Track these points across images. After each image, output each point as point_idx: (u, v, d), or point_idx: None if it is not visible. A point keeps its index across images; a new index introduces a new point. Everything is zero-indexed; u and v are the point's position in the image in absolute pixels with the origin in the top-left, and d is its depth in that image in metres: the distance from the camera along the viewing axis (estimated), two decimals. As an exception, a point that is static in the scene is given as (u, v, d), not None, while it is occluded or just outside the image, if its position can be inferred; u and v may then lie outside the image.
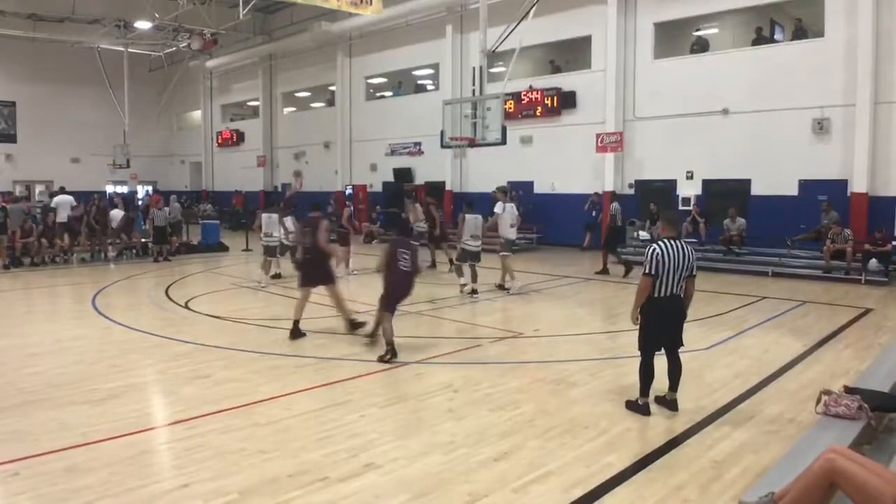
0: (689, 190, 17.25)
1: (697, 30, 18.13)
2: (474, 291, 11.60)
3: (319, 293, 8.70)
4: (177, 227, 18.43)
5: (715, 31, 18.42)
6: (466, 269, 11.84)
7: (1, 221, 14.81)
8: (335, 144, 27.28)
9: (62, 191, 17.64)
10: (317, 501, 3.97)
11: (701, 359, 7.41)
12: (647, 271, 5.44)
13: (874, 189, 14.34)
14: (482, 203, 21.05)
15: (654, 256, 5.39)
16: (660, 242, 5.50)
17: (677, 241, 5.51)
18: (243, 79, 31.88)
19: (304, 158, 29.16)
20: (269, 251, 13.20)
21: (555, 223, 19.52)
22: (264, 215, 13.40)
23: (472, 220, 11.62)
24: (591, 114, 18.86)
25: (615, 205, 14.64)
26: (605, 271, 14.08)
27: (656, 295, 5.45)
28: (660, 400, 5.68)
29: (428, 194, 18.08)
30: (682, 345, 5.67)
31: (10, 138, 30.35)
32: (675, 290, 5.47)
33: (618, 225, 14.67)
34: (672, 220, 6.00)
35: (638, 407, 5.55)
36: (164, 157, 36.18)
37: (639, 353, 5.64)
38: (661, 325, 5.53)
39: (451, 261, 13.66)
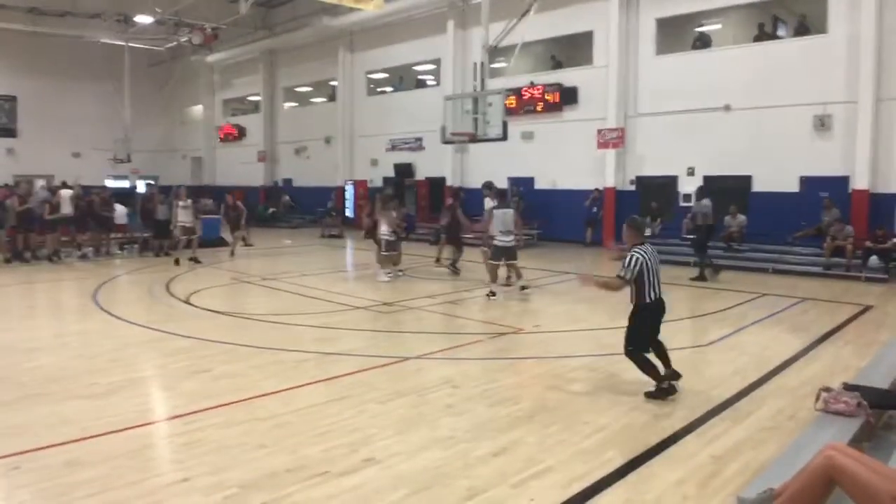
0: (690, 186, 17.20)
1: (699, 26, 18.09)
2: (494, 293, 10.88)
3: (332, 290, 8.69)
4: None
5: (717, 27, 18.38)
6: (503, 270, 11.32)
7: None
8: (336, 139, 27.25)
9: (64, 185, 17.61)
10: (316, 496, 3.98)
11: (701, 355, 7.42)
12: (625, 276, 5.67)
13: (875, 186, 14.31)
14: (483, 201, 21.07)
15: (639, 264, 5.65)
16: (638, 249, 5.72)
17: (648, 246, 5.83)
18: (244, 74, 31.84)
19: (306, 153, 29.17)
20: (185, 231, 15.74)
21: (556, 219, 19.51)
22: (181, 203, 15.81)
23: (501, 215, 10.91)
24: (593, 110, 18.83)
25: (706, 201, 13.14)
26: (702, 277, 12.72)
27: (647, 301, 5.72)
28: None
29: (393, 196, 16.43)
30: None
31: (11, 133, 30.34)
32: (659, 293, 5.80)
33: (710, 224, 13.11)
34: (639, 225, 6.10)
35: (660, 392, 5.77)
36: (165, 151, 36.15)
37: (629, 353, 5.83)
38: (652, 328, 5.86)
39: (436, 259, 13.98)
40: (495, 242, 10.93)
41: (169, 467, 4.44)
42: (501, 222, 10.85)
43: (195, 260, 15.49)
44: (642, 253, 5.68)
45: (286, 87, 30.65)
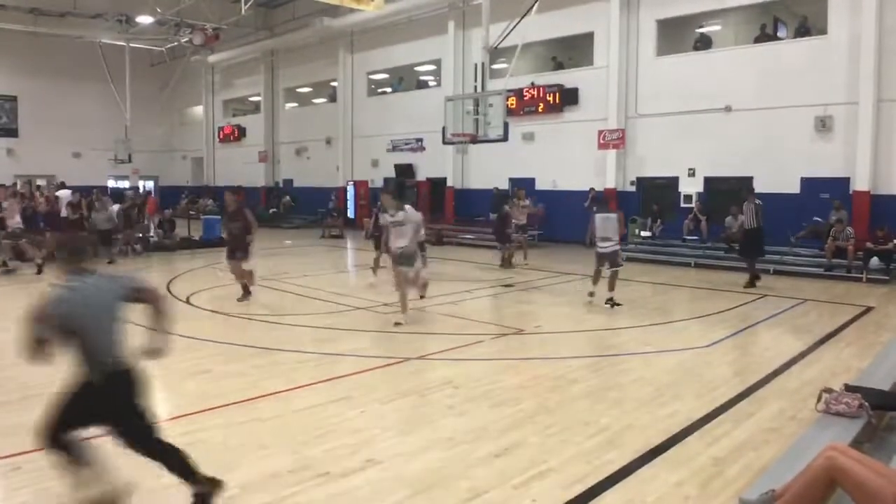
0: (690, 187, 17.22)
1: (700, 27, 18.10)
2: (611, 301, 10.17)
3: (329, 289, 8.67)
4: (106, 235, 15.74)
5: (718, 28, 18.40)
6: (603, 273, 10.54)
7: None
8: (337, 140, 27.26)
9: (62, 185, 17.62)
10: (317, 496, 3.98)
11: (702, 356, 7.42)
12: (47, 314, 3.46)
13: (876, 187, 14.32)
14: (484, 201, 21.02)
15: (60, 301, 3.50)
16: (68, 283, 3.58)
17: (93, 279, 3.66)
18: (245, 74, 31.85)
19: (306, 154, 29.19)
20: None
21: (556, 220, 19.50)
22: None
23: (601, 220, 10.34)
24: (594, 110, 18.83)
25: (758, 202, 12.10)
26: (755, 280, 12.14)
27: (87, 374, 3.58)
28: None
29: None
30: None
31: (12, 133, 30.37)
32: (113, 365, 3.59)
33: (761, 226, 12.11)
34: (80, 248, 3.76)
35: None
36: (165, 152, 36.18)
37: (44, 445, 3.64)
38: (92, 413, 3.65)
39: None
40: (597, 249, 10.42)
41: (170, 468, 4.43)
42: (601, 228, 10.31)
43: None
44: (72, 287, 3.53)
45: (287, 87, 30.66)
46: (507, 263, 14.50)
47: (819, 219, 14.52)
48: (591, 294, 10.51)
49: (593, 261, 10.60)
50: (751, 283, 12.09)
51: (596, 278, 10.60)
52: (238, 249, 10.43)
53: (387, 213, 9.11)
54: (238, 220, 10.51)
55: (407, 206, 9.11)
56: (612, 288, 10.31)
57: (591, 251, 10.69)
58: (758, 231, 12.14)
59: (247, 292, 10.47)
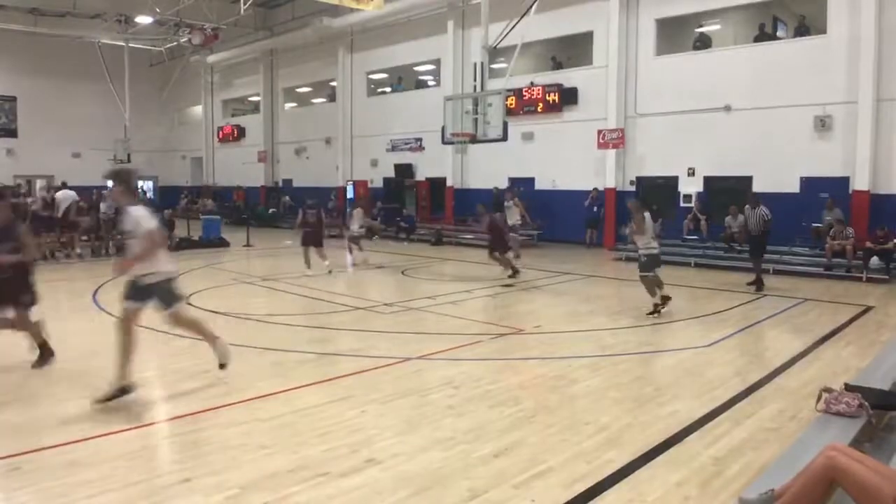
0: (690, 187, 17.23)
1: (700, 26, 18.11)
2: (663, 301, 9.61)
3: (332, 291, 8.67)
4: None
5: (717, 27, 18.41)
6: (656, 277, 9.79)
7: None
8: (336, 140, 27.27)
9: (64, 186, 17.59)
10: (317, 496, 3.98)
11: (702, 356, 7.42)
12: None
13: (876, 187, 14.32)
14: (486, 201, 21.04)
15: None
16: None
17: None
18: (244, 74, 31.85)
19: (305, 154, 29.20)
20: None
21: (556, 220, 19.51)
22: None
23: (651, 219, 9.82)
24: (593, 110, 18.84)
25: (768, 214, 11.68)
26: (758, 283, 11.91)
27: None
28: None
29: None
30: None
31: (11, 133, 30.37)
32: None
33: (769, 231, 11.87)
34: None
35: None
36: (165, 152, 36.18)
37: None
38: None
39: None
40: (650, 251, 9.59)
41: (170, 468, 4.43)
42: (653, 227, 9.78)
43: None
44: None
45: (286, 87, 30.66)
46: (512, 271, 13.15)
47: (818, 224, 14.54)
48: (668, 298, 9.56)
49: (641, 268, 9.69)
50: (756, 284, 11.96)
51: (653, 289, 9.63)
52: (15, 290, 6.46)
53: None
54: (8, 242, 6.39)
55: (133, 209, 5.76)
56: (661, 287, 9.63)
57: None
58: (764, 236, 11.90)
59: (46, 352, 6.76)
